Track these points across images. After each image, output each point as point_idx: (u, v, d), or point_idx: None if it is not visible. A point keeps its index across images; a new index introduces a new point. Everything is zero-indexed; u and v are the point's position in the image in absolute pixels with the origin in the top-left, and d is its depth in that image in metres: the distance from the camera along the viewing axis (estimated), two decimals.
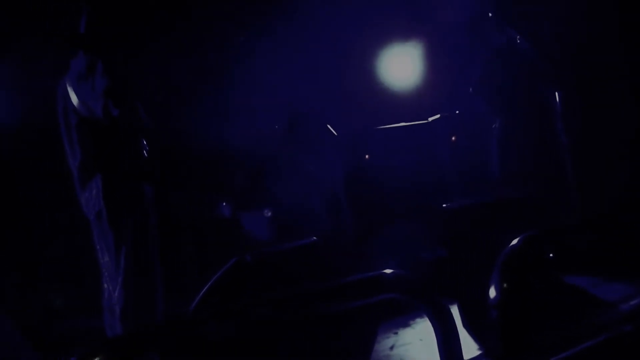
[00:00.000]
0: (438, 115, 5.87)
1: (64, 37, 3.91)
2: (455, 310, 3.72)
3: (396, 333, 4.04)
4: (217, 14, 5.57)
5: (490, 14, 5.05)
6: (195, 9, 5.47)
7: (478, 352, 3.40)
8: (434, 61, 6.59)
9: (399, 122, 5.95)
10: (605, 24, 4.72)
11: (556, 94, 4.89)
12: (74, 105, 3.62)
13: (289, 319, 2.37)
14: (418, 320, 4.09)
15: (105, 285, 3.63)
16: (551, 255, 3.89)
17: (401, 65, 6.66)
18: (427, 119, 5.88)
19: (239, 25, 5.66)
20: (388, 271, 2.38)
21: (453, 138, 5.76)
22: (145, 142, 3.73)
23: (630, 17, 4.65)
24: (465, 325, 3.67)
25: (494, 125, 5.08)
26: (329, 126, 5.78)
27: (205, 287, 2.96)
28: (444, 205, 4.06)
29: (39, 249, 4.71)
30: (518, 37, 4.92)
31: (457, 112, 5.88)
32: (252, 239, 5.20)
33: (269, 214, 5.47)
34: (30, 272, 4.67)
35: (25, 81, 4.61)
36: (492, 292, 2.77)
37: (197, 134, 4.53)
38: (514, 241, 2.88)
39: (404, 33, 6.56)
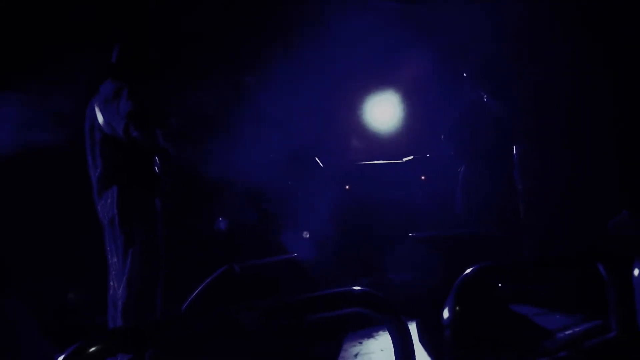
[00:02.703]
0: (412, 157, 5.91)
1: (96, 66, 3.92)
2: (414, 327, 3.72)
3: (361, 343, 4.00)
4: (229, 58, 5.63)
5: (464, 74, 5.11)
6: (210, 53, 5.53)
7: None
8: (411, 109, 6.67)
9: (377, 160, 6.00)
10: (558, 85, 4.80)
11: (515, 145, 4.95)
12: (99, 124, 3.63)
13: (267, 326, 2.36)
14: (381, 332, 4.06)
15: (111, 283, 3.60)
16: (500, 285, 3.89)
17: (382, 112, 6.74)
18: (401, 159, 5.92)
19: (248, 69, 5.72)
20: (356, 288, 2.38)
21: (423, 177, 5.79)
22: (158, 160, 3.74)
23: (584, 80, 4.73)
24: (422, 341, 3.65)
25: (459, 169, 5.11)
26: (317, 160, 5.81)
27: (197, 290, 2.94)
28: (411, 234, 4.06)
29: (55, 250, 4.67)
30: (485, 96, 4.98)
31: (428, 155, 5.92)
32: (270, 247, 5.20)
33: (308, 235, 5.46)
34: (47, 270, 4.62)
35: (60, 101, 4.62)
36: (446, 313, 2.77)
37: (205, 157, 4.54)
38: (468, 270, 2.89)
39: (386, 85, 6.64)
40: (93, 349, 1.74)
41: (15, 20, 4.60)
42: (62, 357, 1.69)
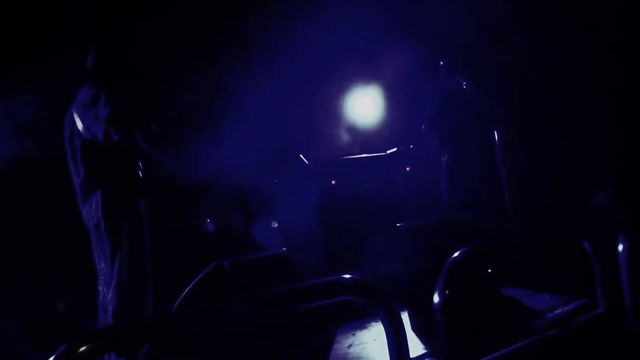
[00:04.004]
0: (395, 149, 5.95)
1: (73, 71, 3.90)
2: (406, 316, 3.74)
3: (354, 334, 4.04)
4: (207, 56, 5.61)
5: (441, 62, 5.13)
6: (189, 53, 5.52)
7: (424, 351, 3.40)
8: (392, 102, 6.71)
9: (362, 154, 6.03)
10: (540, 72, 4.83)
11: (496, 132, 4.98)
12: (79, 130, 3.62)
13: (260, 317, 2.36)
14: (373, 323, 4.11)
15: (100, 288, 3.59)
16: (490, 270, 3.93)
17: (364, 105, 6.78)
18: (386, 151, 5.96)
19: (227, 67, 5.70)
20: (347, 276, 2.38)
21: (408, 168, 5.82)
22: (140, 163, 3.72)
23: (563, 64, 4.77)
24: (414, 329, 3.68)
25: (443, 158, 5.14)
26: (302, 156, 5.82)
27: (187, 288, 2.94)
28: (399, 224, 4.08)
29: (42, 254, 4.64)
30: (464, 82, 5.00)
31: (412, 146, 5.96)
32: (258, 246, 5.21)
33: (276, 224, 5.49)
34: (34, 275, 4.59)
35: (39, 108, 4.59)
36: (437, 298, 2.79)
37: (188, 158, 4.53)
38: (455, 254, 2.92)
39: (367, 78, 6.67)
40: (83, 348, 1.74)
41: None
42: (52, 357, 1.68)
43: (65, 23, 4.66)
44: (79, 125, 3.60)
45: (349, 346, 3.81)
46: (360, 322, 4.16)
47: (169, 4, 5.12)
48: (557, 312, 3.62)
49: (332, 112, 6.75)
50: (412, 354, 2.50)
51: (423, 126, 5.24)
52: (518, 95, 5.01)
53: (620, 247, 3.03)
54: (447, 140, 5.11)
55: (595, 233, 3.37)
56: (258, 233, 5.40)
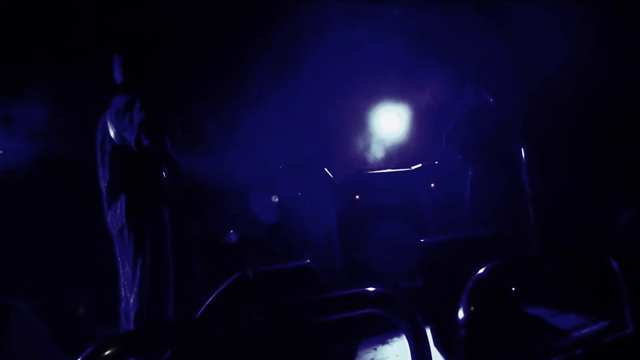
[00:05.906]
0: (420, 165, 5.91)
1: (108, 79, 3.96)
2: (428, 332, 3.68)
3: (375, 349, 3.98)
4: (235, 70, 5.66)
5: (468, 79, 5.12)
6: (217, 65, 5.58)
7: None
8: (418, 118, 6.69)
9: (386, 169, 6.00)
10: (563, 90, 4.80)
11: (521, 148, 4.94)
12: (110, 136, 3.66)
13: (282, 327, 2.33)
14: (395, 338, 4.05)
15: (123, 293, 3.60)
16: (513, 289, 3.86)
17: (390, 122, 6.77)
18: (410, 167, 5.92)
19: (254, 80, 5.75)
20: (371, 289, 2.35)
21: (432, 185, 5.77)
22: (167, 170, 3.74)
23: (584, 84, 4.72)
24: (437, 345, 3.61)
25: (469, 173, 5.09)
26: (326, 170, 5.81)
27: (212, 296, 2.93)
28: (422, 240, 4.04)
29: (67, 262, 4.67)
30: (491, 99, 4.97)
31: (436, 162, 5.92)
32: (258, 220, 5.20)
33: (276, 199, 5.48)
34: (60, 282, 4.62)
35: (74, 114, 4.66)
36: (461, 315, 2.74)
37: (212, 167, 4.55)
38: (480, 271, 2.86)
39: (394, 94, 6.67)
40: (110, 351, 1.73)
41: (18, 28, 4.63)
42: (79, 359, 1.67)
43: (95, 32, 4.74)
44: (111, 131, 3.66)
45: None
46: (381, 337, 4.10)
47: (198, 16, 5.18)
48: (583, 331, 3.54)
49: (358, 127, 6.75)
50: None
51: (443, 139, 5.20)
52: (543, 112, 4.97)
53: None
54: (472, 156, 5.07)
55: (623, 250, 3.28)
56: (258, 207, 5.40)
